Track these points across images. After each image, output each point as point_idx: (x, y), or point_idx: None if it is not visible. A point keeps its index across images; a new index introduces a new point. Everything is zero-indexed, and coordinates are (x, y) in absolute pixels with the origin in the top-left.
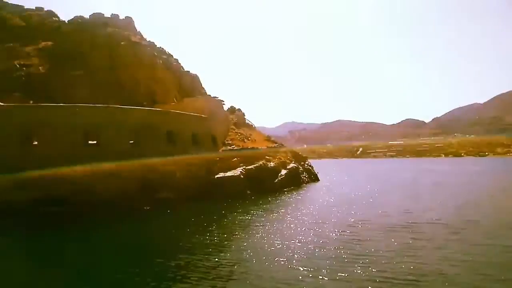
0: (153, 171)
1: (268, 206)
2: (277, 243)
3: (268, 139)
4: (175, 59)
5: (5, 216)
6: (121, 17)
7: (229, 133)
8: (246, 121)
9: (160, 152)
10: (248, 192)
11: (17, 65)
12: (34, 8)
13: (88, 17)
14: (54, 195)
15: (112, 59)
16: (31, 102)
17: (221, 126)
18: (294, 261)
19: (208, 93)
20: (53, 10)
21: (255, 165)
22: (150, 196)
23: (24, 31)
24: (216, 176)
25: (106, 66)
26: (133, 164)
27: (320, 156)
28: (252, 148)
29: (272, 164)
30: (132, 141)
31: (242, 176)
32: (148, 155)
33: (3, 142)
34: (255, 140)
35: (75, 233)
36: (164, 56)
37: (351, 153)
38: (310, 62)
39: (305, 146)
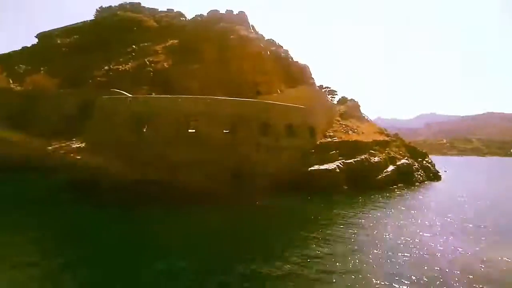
0: (246, 160)
1: (363, 204)
2: (352, 251)
3: (381, 131)
4: (284, 50)
5: (113, 191)
6: (235, 12)
7: (333, 125)
8: (361, 113)
9: (253, 141)
10: (345, 187)
11: (147, 62)
12: (166, 10)
13: (206, 14)
14: (152, 178)
15: (222, 53)
16: (153, 94)
17: (321, 117)
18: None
19: (319, 83)
20: (181, 10)
21: (355, 159)
22: (241, 185)
23: (156, 31)
24: (310, 169)
25: (217, 59)
26: (226, 152)
27: (461, 152)
28: (355, 141)
29: (376, 158)
30: (227, 131)
31: (337, 170)
32: (241, 144)
33: (121, 129)
34: (362, 132)
35: (157, 214)
36: (273, 48)
37: (504, 151)
38: (452, 48)
39: (444, 140)
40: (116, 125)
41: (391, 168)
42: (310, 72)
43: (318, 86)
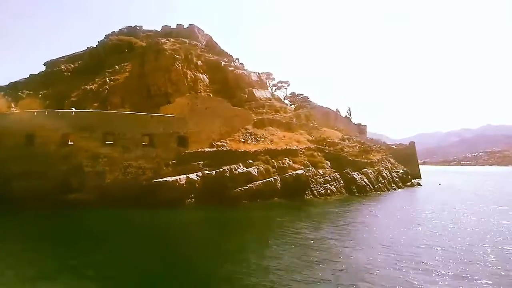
0: (77, 172)
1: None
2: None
3: (318, 140)
4: (231, 59)
5: None
6: (185, 26)
7: (236, 134)
8: (333, 120)
9: (90, 153)
10: (191, 200)
11: (108, 80)
12: (159, 30)
13: (159, 30)
14: None
15: (142, 67)
16: (94, 109)
17: (207, 125)
18: None
19: (293, 91)
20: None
21: (217, 170)
22: (62, 196)
23: (142, 51)
24: (154, 181)
25: (138, 74)
26: (58, 164)
27: None
28: (228, 150)
29: (244, 169)
30: (71, 142)
31: (182, 182)
32: (75, 155)
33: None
34: (271, 141)
35: None
36: (214, 57)
37: None
38: None
39: None
40: None
41: (268, 179)
42: (254, 79)
43: (291, 93)
